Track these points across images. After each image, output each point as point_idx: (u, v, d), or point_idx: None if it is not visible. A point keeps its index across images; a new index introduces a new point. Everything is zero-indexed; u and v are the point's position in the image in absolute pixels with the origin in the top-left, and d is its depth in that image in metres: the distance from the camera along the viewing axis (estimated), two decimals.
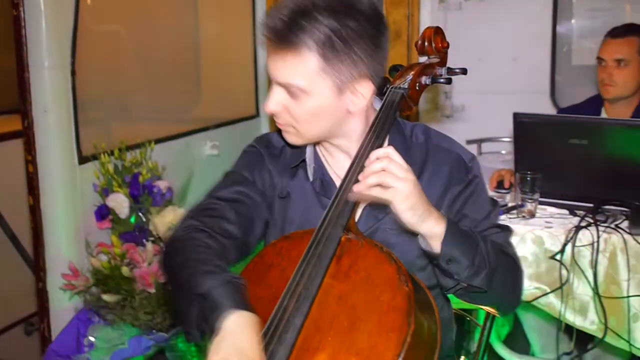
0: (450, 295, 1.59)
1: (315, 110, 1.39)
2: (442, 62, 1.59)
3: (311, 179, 1.52)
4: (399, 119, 1.54)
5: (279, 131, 1.56)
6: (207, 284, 1.23)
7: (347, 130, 1.47)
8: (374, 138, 1.41)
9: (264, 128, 4.16)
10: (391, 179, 1.27)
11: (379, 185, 1.28)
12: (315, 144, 1.53)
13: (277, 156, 1.57)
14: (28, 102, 2.55)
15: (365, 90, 1.41)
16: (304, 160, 1.53)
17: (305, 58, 1.34)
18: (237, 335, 1.17)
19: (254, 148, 1.60)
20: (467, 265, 1.34)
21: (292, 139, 1.46)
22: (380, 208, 1.46)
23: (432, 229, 1.32)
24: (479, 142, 3.74)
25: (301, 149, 1.53)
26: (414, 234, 1.43)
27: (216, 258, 1.32)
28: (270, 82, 1.43)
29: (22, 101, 2.58)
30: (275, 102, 1.40)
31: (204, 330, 1.24)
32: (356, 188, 1.31)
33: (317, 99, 1.37)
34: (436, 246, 1.33)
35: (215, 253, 1.35)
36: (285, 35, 1.33)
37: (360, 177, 1.31)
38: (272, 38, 1.35)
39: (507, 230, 1.54)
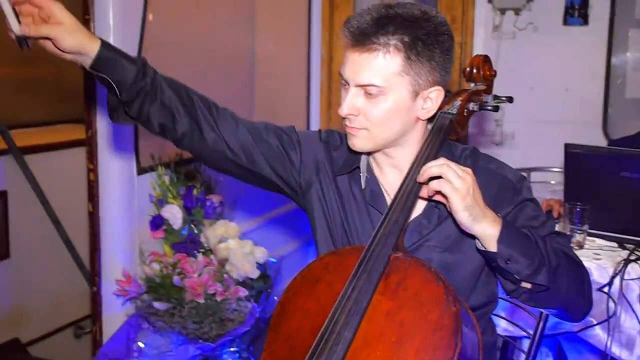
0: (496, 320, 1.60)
1: (391, 110, 1.43)
2: (489, 89, 1.62)
3: (363, 186, 1.57)
4: (449, 141, 1.57)
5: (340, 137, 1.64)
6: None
7: (408, 139, 1.50)
8: (425, 156, 1.44)
9: None
10: (452, 174, 1.30)
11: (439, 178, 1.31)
12: (369, 154, 1.57)
13: (332, 149, 1.63)
14: (93, 113, 2.65)
15: (435, 97, 1.47)
16: (358, 167, 1.58)
17: (392, 58, 1.39)
18: None
19: (318, 131, 1.68)
20: (527, 263, 1.33)
21: (362, 143, 1.49)
22: (425, 224, 1.50)
23: (487, 230, 1.33)
24: (528, 171, 3.72)
25: (356, 156, 1.58)
26: (457, 252, 1.46)
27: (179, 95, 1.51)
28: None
29: (87, 112, 2.68)
30: (351, 105, 1.44)
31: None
32: (419, 177, 1.35)
33: (394, 99, 1.42)
34: (493, 247, 1.34)
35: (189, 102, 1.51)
36: (374, 35, 1.38)
37: (418, 178, 1.36)
38: (359, 39, 1.40)
39: (565, 236, 1.54)
